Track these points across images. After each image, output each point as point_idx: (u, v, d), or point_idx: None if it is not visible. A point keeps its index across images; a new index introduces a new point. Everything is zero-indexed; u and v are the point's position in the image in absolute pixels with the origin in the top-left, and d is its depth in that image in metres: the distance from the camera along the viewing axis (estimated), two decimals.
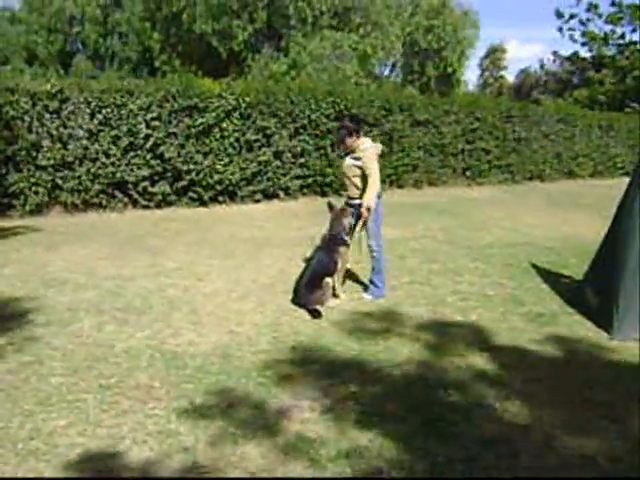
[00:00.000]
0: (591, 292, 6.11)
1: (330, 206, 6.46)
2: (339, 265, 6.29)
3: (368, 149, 6.24)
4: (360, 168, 6.17)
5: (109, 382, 4.37)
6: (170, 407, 4.00)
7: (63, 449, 3.50)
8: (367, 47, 25.23)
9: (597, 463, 3.46)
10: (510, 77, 59.73)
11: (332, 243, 6.28)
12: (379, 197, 6.24)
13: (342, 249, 6.28)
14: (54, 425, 3.76)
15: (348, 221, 6.29)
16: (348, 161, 6.32)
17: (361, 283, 6.89)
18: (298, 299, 6.15)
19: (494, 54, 52.46)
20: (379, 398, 4.18)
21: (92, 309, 5.97)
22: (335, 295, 6.34)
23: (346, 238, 6.29)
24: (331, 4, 24.36)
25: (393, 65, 31.66)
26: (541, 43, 74.84)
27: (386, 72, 32.06)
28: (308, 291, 6.07)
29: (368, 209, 6.05)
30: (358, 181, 6.23)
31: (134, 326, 5.53)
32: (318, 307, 5.95)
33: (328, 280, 6.17)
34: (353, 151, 6.30)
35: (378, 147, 6.52)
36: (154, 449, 3.51)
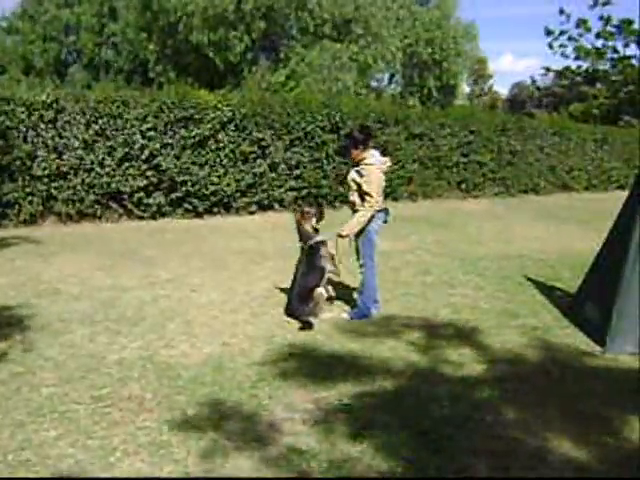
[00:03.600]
0: (585, 305, 6.13)
1: (295, 215, 6.36)
2: (327, 269, 6.20)
3: (372, 166, 5.94)
4: (359, 185, 5.93)
5: (101, 393, 4.35)
6: (162, 419, 3.98)
7: (54, 460, 3.48)
8: (367, 58, 25.34)
9: (590, 476, 3.46)
10: (504, 90, 60.11)
11: (310, 251, 6.18)
12: (382, 211, 6.05)
13: (323, 251, 6.18)
14: (45, 436, 3.74)
15: (310, 225, 6.20)
16: (352, 174, 6.05)
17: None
18: (290, 311, 6.14)
19: (477, 65, 52.66)
20: (372, 410, 4.17)
21: (85, 320, 5.96)
22: (331, 298, 6.34)
23: (319, 239, 6.18)
24: (331, 15, 24.45)
25: (392, 76, 31.79)
26: (536, 56, 75.34)
27: (385, 83, 32.21)
28: (300, 303, 6.06)
29: (341, 235, 5.99)
30: (356, 196, 5.98)
31: (127, 337, 5.52)
32: (310, 319, 5.94)
33: (320, 291, 6.14)
34: (358, 163, 6.02)
35: (385, 163, 6.16)
36: (145, 461, 3.49)
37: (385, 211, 6.14)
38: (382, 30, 26.04)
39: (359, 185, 5.93)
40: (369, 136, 6.12)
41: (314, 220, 6.26)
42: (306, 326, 5.82)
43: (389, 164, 6.24)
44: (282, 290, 6.98)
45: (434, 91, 30.29)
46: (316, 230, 6.26)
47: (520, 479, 3.38)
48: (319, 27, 24.54)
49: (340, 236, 6.02)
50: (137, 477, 3.31)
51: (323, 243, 6.22)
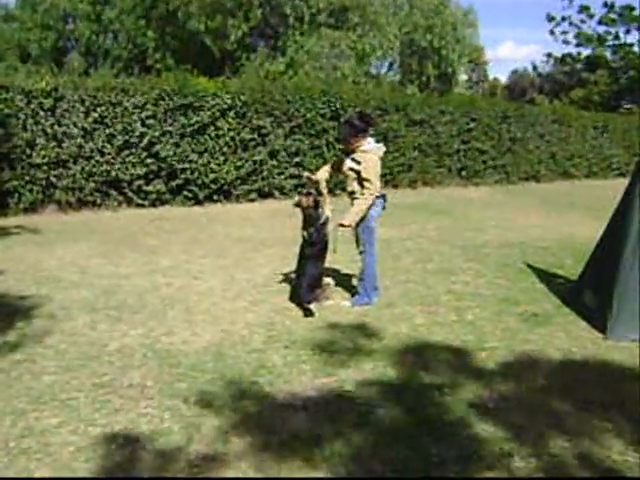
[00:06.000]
0: (586, 292, 6.11)
1: (298, 204, 6.14)
2: (328, 238, 6.12)
3: (369, 152, 5.90)
4: (358, 172, 5.87)
5: (102, 380, 4.35)
6: (163, 406, 3.98)
7: (55, 448, 3.48)
8: (365, 46, 25.22)
9: (593, 463, 3.46)
10: (503, 77, 59.97)
11: (316, 233, 6.05)
12: (380, 197, 6.05)
13: (326, 229, 6.09)
14: (46, 424, 3.74)
15: (317, 213, 6.05)
16: (348, 162, 5.97)
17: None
18: (298, 298, 6.10)
19: (475, 53, 52.35)
20: (374, 397, 4.17)
21: (86, 307, 5.95)
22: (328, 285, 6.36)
23: (323, 218, 6.04)
24: (328, 3, 24.35)
25: (391, 64, 31.64)
26: (536, 44, 75.07)
27: (384, 71, 32.04)
28: (309, 290, 6.03)
29: (343, 225, 5.90)
30: (356, 184, 5.93)
31: (128, 324, 5.51)
32: (313, 305, 5.93)
33: (328, 280, 6.21)
34: (354, 151, 5.96)
35: (380, 149, 6.11)
36: (146, 448, 3.49)
37: (383, 197, 6.13)
38: (380, 18, 25.93)
39: (358, 172, 5.89)
40: (369, 124, 6.04)
41: (311, 199, 6.06)
42: (307, 313, 5.82)
43: (384, 149, 6.21)
44: (282, 278, 6.99)
45: (433, 79, 30.16)
46: (316, 206, 6.05)
47: (522, 479, 3.37)
48: (315, 16, 24.43)
49: (342, 226, 5.98)
50: (136, 477, 3.30)
51: (325, 222, 6.09)
